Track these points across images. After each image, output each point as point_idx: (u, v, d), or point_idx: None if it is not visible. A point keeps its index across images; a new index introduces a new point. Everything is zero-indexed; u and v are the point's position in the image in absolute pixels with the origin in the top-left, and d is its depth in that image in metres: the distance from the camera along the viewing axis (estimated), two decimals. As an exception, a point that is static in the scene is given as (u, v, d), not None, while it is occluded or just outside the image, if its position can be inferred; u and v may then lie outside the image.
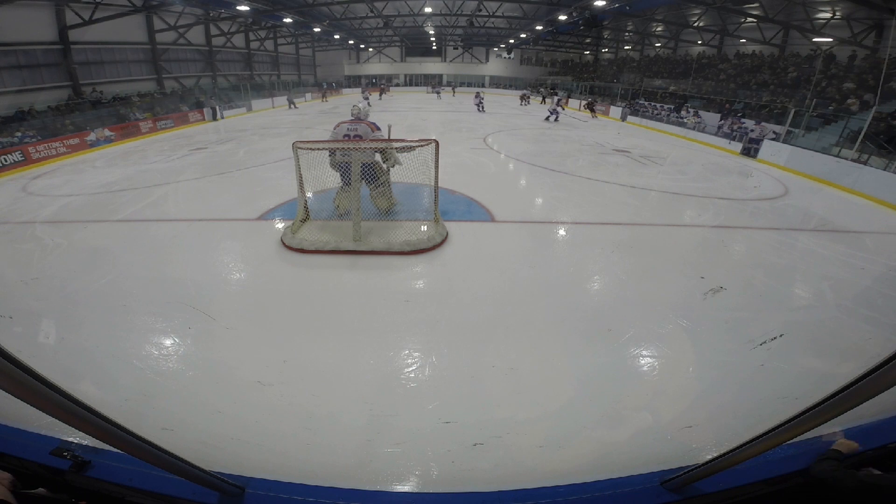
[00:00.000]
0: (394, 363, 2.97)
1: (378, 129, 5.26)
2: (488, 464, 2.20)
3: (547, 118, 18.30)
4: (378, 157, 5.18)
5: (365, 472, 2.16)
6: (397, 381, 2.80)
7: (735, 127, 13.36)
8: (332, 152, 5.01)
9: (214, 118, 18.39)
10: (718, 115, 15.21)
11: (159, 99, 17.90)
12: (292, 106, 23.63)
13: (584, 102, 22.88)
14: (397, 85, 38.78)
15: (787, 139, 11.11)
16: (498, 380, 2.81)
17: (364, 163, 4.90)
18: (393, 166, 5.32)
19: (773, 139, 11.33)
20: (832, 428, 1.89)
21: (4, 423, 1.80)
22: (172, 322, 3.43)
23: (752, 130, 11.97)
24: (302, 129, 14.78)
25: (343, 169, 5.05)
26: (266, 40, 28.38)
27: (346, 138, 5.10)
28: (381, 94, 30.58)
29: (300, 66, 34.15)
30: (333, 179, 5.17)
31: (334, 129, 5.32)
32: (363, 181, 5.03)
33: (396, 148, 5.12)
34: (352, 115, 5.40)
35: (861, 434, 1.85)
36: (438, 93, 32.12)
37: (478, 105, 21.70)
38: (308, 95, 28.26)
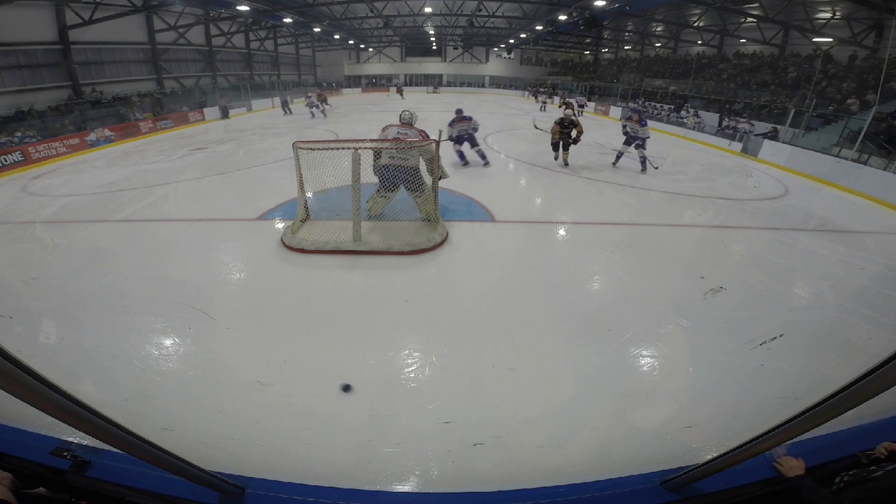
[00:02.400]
0: (394, 363, 2.97)
1: (428, 137, 5.27)
2: (488, 464, 2.20)
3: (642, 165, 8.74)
4: (423, 166, 5.26)
5: (365, 471, 2.16)
6: (397, 381, 2.80)
7: (732, 125, 13.45)
8: (378, 155, 5.17)
9: (225, 117, 18.54)
10: (718, 116, 15.24)
11: (159, 98, 17.89)
12: (287, 112, 19.88)
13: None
14: (397, 85, 38.73)
15: (782, 137, 11.18)
16: (498, 380, 2.81)
17: (407, 166, 5.09)
18: (440, 178, 5.37)
19: (766, 134, 11.43)
20: (832, 428, 1.89)
21: (4, 423, 1.80)
22: (172, 322, 3.43)
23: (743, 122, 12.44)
24: (302, 129, 14.77)
25: (382, 173, 5.20)
26: (266, 40, 28.38)
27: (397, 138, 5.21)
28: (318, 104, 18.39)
29: (300, 66, 34.14)
30: (334, 179, 5.15)
31: (383, 130, 5.46)
32: (405, 186, 5.22)
33: (397, 148, 5.12)
34: (401, 119, 5.52)
35: (861, 434, 1.85)
36: (544, 104, 22.61)
37: (461, 156, 8.83)
38: (312, 96, 28.18)
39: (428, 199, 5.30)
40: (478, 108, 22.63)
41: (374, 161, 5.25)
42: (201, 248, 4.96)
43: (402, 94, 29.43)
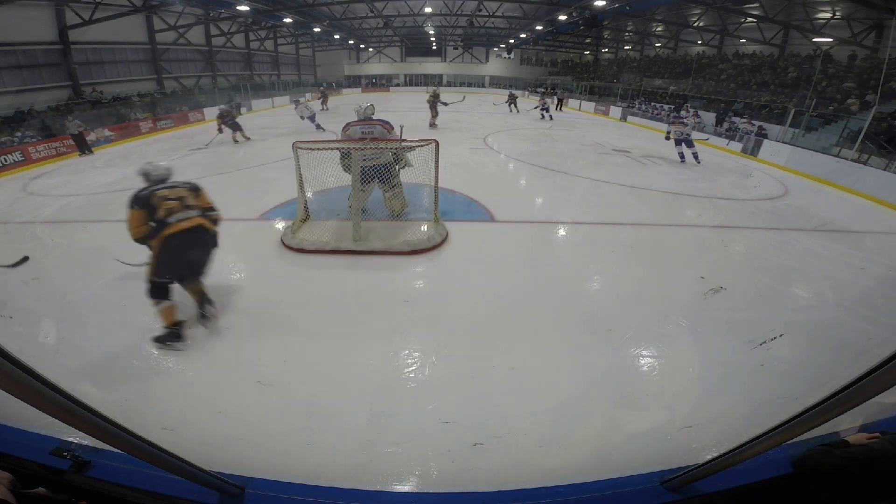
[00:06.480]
0: (394, 363, 2.97)
1: (392, 128, 5.19)
2: (488, 464, 2.19)
3: None
4: (391, 156, 5.11)
5: (365, 472, 2.16)
6: (397, 381, 2.80)
7: (732, 125, 13.49)
8: (346, 154, 4.84)
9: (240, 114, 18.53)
10: (716, 116, 15.25)
11: (159, 98, 17.88)
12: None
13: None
14: (397, 85, 38.74)
15: (778, 136, 11.22)
16: (498, 380, 2.81)
17: (380, 164, 4.88)
18: (404, 167, 5.28)
19: (758, 131, 11.51)
20: (831, 427, 1.89)
21: (4, 423, 1.80)
22: (172, 322, 3.42)
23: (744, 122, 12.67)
24: (302, 129, 14.76)
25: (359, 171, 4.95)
26: (266, 40, 28.40)
27: (363, 138, 4.96)
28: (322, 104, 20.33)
29: (300, 66, 34.15)
30: (334, 179, 5.16)
31: (344, 131, 5.14)
32: (378, 182, 5.03)
33: (398, 148, 5.12)
34: (357, 116, 5.22)
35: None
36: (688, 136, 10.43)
37: None
38: (308, 95, 28.18)
39: (397, 195, 5.25)
40: (477, 107, 22.65)
41: (342, 161, 4.94)
42: (201, 248, 4.95)
43: (325, 105, 20.75)
